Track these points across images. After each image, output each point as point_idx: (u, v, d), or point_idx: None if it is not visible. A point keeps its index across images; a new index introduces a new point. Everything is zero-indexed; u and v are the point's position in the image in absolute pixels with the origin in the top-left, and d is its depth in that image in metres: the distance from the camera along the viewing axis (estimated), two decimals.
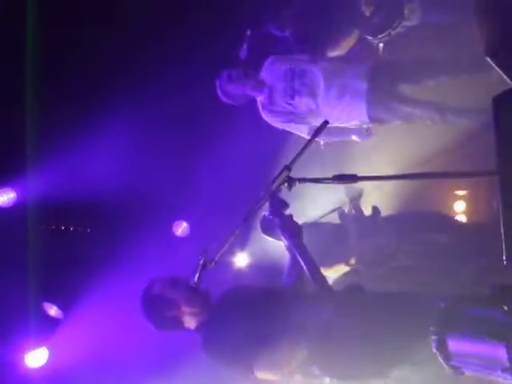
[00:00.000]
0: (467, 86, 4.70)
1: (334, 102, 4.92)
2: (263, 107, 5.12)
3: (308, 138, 4.80)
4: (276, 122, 5.14)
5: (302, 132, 5.08)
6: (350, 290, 3.39)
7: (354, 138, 5.25)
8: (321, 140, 5.00)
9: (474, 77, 4.59)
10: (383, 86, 4.87)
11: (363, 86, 4.85)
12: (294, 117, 5.04)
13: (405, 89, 4.88)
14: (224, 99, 5.10)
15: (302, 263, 3.36)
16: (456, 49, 4.61)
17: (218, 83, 5.04)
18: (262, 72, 5.14)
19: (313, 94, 4.94)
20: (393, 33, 4.73)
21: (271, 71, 5.12)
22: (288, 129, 5.17)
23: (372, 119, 4.95)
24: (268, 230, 4.35)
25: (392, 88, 4.88)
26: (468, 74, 4.69)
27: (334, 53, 5.11)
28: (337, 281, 4.69)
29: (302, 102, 4.98)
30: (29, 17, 5.21)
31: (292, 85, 4.98)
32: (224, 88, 5.03)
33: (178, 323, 3.52)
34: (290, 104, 5.00)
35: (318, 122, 4.86)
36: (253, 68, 5.13)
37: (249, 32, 4.99)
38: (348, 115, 4.95)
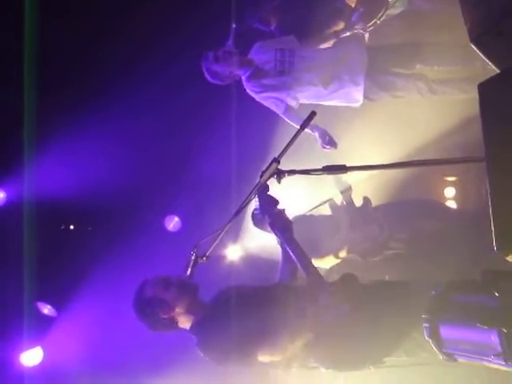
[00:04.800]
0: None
1: (329, 81, 4.92)
2: (248, 79, 5.06)
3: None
4: (260, 94, 5.09)
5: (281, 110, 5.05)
6: (344, 279, 3.40)
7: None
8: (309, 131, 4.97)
9: (462, 62, 4.64)
10: (377, 65, 4.88)
11: (362, 66, 4.87)
12: (281, 90, 5.01)
13: (396, 68, 4.94)
14: (210, 79, 5.06)
15: (294, 257, 3.37)
16: (442, 33, 4.64)
17: (203, 64, 5.01)
18: (249, 55, 5.13)
19: (304, 72, 4.94)
20: (378, 22, 4.73)
21: (259, 54, 5.09)
22: (270, 105, 5.12)
23: (366, 96, 4.98)
24: (259, 224, 4.35)
25: (385, 67, 4.91)
26: (455, 60, 4.73)
27: (319, 45, 5.10)
28: (331, 271, 4.71)
29: (292, 77, 4.96)
30: (27, 13, 5.20)
31: (282, 62, 4.96)
32: (210, 68, 4.99)
33: (172, 324, 3.53)
34: (278, 78, 4.97)
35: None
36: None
37: (234, 25, 4.96)
38: (345, 94, 4.96)
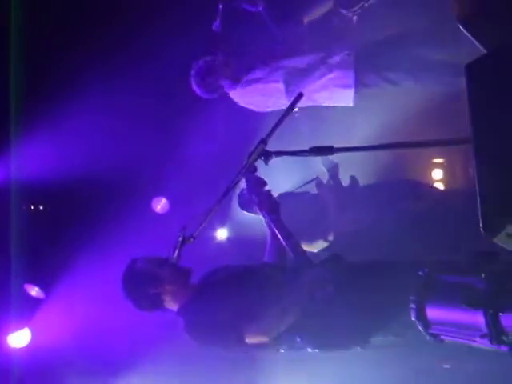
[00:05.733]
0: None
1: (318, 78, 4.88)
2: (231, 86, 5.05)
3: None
4: (249, 87, 5.04)
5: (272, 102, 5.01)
6: (330, 260, 3.41)
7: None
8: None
9: (451, 47, 4.61)
10: (367, 50, 4.84)
11: (350, 57, 4.82)
12: (271, 75, 4.95)
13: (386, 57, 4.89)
14: (197, 89, 5.03)
15: (280, 237, 3.37)
16: (430, 18, 4.61)
17: (192, 72, 4.98)
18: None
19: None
20: (366, 5, 4.70)
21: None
22: (266, 93, 5.06)
23: (361, 81, 4.92)
24: (246, 206, 4.34)
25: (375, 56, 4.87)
26: (444, 44, 4.70)
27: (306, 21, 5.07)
28: (318, 253, 4.72)
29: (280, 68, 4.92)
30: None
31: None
32: (198, 74, 4.97)
33: (158, 302, 3.53)
34: (263, 68, 4.93)
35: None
36: (226, 44, 5.07)
37: (221, 6, 4.92)
38: (334, 87, 4.92)
